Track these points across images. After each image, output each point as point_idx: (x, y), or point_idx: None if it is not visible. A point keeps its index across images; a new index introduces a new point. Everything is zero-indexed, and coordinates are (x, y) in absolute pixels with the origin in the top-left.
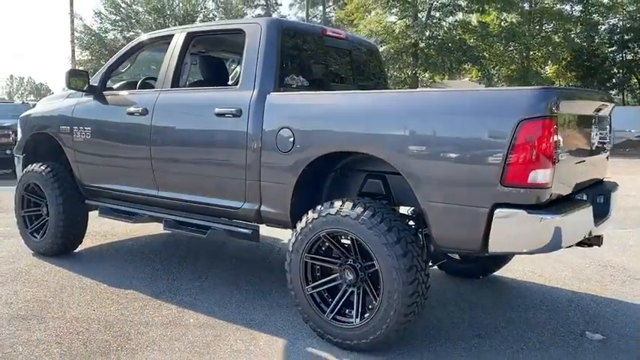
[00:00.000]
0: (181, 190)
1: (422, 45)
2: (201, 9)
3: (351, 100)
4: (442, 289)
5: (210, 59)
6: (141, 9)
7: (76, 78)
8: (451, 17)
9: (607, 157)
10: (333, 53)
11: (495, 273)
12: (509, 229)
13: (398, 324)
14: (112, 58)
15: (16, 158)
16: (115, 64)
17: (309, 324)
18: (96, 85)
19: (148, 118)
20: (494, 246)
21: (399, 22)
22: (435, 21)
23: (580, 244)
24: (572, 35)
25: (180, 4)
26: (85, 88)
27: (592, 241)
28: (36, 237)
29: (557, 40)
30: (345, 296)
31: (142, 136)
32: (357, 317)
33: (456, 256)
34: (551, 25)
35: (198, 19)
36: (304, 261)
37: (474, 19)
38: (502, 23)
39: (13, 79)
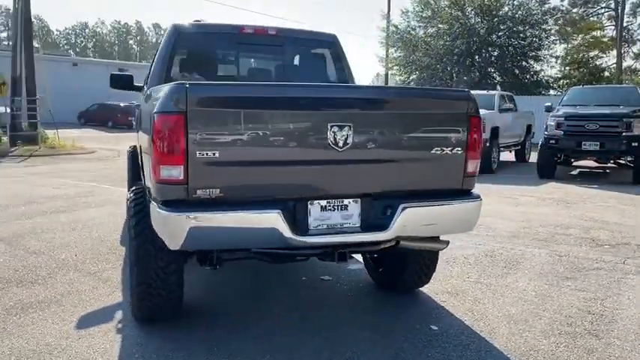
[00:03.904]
0: None
1: None
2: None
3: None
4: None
5: None
6: (445, 3)
7: (118, 80)
8: None
9: (447, 163)
10: (257, 51)
11: (428, 290)
12: (158, 225)
13: (135, 301)
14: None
15: None
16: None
17: None
18: (140, 85)
19: (139, 112)
20: (164, 242)
21: None
22: None
23: (324, 257)
24: None
25: None
26: (127, 88)
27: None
28: None
29: None
30: None
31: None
32: None
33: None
34: None
35: (501, 12)
36: None
37: None
38: None
39: None
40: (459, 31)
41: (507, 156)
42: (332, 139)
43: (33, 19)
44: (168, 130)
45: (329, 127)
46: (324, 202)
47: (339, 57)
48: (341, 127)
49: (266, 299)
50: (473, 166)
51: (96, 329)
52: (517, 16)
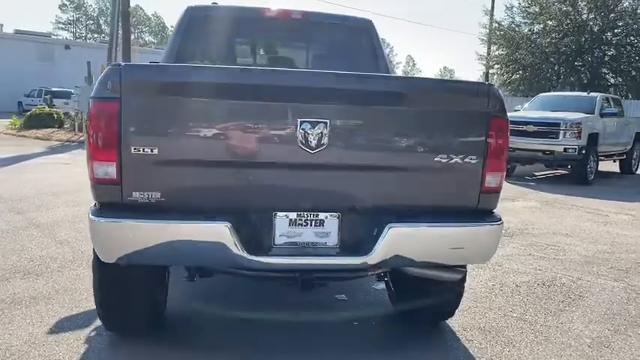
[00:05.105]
0: None
1: None
2: None
3: None
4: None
5: None
6: None
7: None
8: None
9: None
10: (280, 36)
11: (456, 324)
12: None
13: (99, 311)
14: None
15: None
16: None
17: None
18: None
19: None
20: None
21: None
22: None
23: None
24: None
25: None
26: None
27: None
28: None
29: None
30: None
31: None
32: None
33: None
34: None
35: (619, 7)
36: None
37: None
38: None
39: None
40: (569, 27)
41: (610, 166)
42: (302, 139)
43: (150, 16)
44: (100, 120)
45: (298, 123)
46: (293, 215)
47: (374, 45)
48: (314, 125)
49: (261, 319)
50: (494, 179)
51: (66, 336)
52: (639, 11)
